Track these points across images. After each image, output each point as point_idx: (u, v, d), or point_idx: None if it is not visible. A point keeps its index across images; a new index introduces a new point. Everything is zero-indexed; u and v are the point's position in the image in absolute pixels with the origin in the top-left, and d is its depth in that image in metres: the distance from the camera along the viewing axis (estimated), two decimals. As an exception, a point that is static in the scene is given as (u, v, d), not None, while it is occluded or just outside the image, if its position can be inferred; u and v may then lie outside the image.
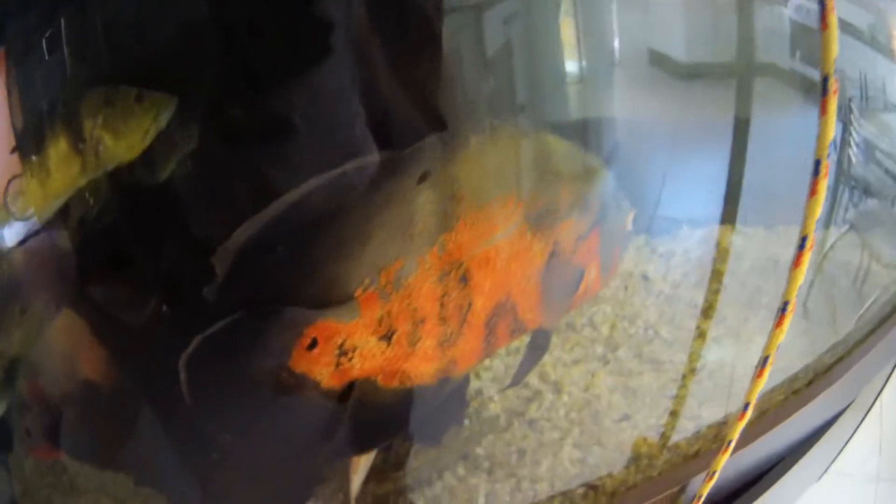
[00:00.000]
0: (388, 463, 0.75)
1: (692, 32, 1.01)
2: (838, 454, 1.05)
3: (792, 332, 0.77)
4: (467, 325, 0.67)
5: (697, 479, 0.75)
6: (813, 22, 1.21)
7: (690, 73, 1.00)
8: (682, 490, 0.79)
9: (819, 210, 0.55)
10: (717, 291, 1.00)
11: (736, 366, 0.91)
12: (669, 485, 0.78)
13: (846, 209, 1.09)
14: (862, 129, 1.15)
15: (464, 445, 0.81)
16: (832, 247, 1.06)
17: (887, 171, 1.16)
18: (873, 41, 1.25)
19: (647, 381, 0.89)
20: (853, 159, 1.11)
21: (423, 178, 0.61)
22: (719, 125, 0.98)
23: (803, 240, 0.56)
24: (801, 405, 0.89)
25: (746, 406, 0.63)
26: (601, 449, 0.81)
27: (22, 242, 0.76)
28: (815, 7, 1.24)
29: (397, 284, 0.61)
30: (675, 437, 0.83)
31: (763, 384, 0.62)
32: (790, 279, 0.57)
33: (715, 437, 0.83)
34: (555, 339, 0.87)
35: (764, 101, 1.02)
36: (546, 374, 0.88)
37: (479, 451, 0.80)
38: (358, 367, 0.62)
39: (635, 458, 0.80)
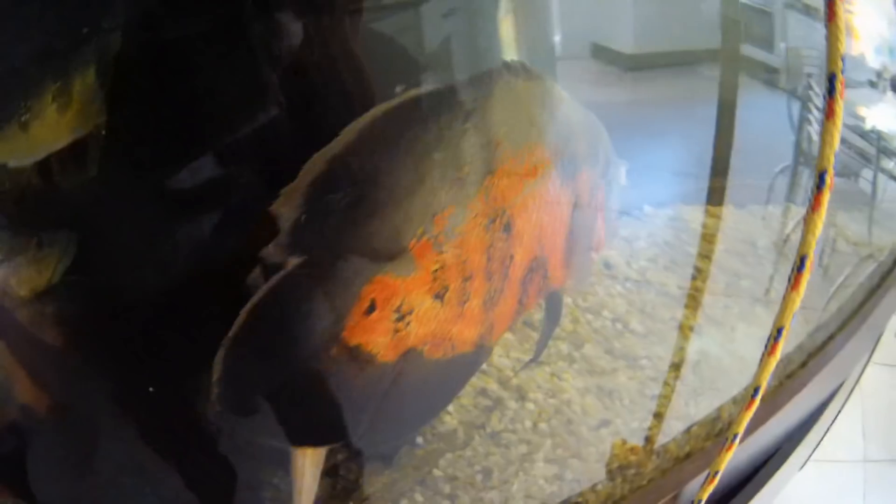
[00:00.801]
0: (335, 491, 0.70)
1: (637, 23, 1.02)
2: (820, 441, 1.03)
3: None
4: (508, 281, 0.66)
5: (693, 484, 0.69)
6: (765, 2, 1.21)
7: (635, 64, 1.00)
8: (676, 498, 0.72)
9: (820, 227, 0.50)
10: (693, 277, 0.96)
11: (721, 357, 0.87)
12: (662, 493, 0.71)
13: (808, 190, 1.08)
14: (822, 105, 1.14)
15: (419, 466, 0.73)
16: (795, 228, 1.05)
17: (851, 148, 1.16)
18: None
19: (622, 381, 0.81)
20: (814, 137, 1.11)
21: (466, 117, 0.62)
22: (669, 111, 0.98)
23: (802, 259, 0.51)
24: (798, 389, 0.85)
25: (756, 391, 0.56)
26: (580, 462, 0.73)
27: None
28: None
29: (450, 233, 0.60)
30: (663, 440, 0.76)
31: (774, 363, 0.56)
32: (785, 302, 0.53)
33: (707, 436, 0.77)
34: (511, 338, 0.82)
35: (714, 86, 1.02)
36: (505, 378, 0.80)
37: (437, 472, 0.72)
38: (413, 333, 0.60)
39: (620, 468, 0.73)
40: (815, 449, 1.02)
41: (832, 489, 1.20)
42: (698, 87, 1.04)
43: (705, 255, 1.02)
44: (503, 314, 0.67)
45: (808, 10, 1.22)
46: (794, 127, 1.08)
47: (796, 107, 1.08)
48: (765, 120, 1.11)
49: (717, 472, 0.59)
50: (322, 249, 0.55)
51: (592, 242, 0.78)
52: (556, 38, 0.93)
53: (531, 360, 0.81)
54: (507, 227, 0.65)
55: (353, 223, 0.56)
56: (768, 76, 1.12)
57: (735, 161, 1.02)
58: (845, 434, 1.09)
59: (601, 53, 1.00)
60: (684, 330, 0.92)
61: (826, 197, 0.50)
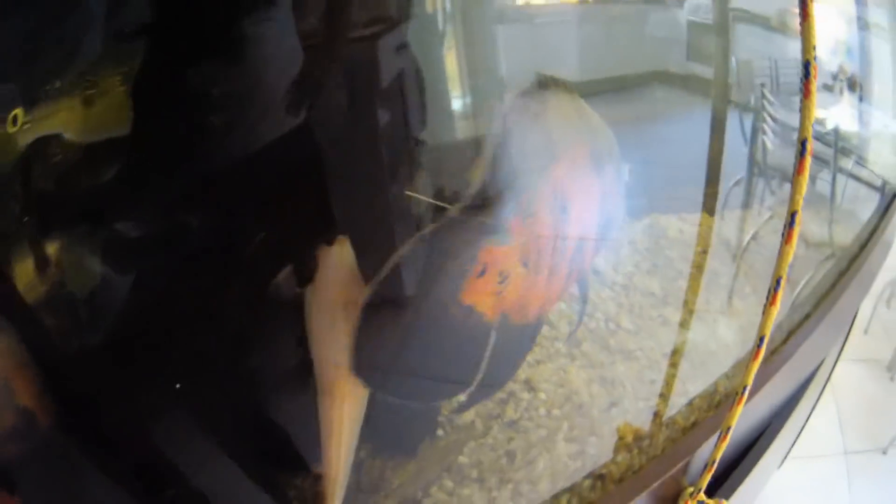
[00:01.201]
0: (361, 486, 0.74)
1: (582, 51, 1.03)
2: (797, 439, 1.04)
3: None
4: (563, 259, 0.77)
5: (704, 448, 0.77)
6: (710, 18, 1.23)
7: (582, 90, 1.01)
8: (689, 464, 0.78)
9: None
10: (674, 279, 1.03)
11: (707, 344, 0.95)
12: (676, 460, 0.77)
13: (762, 198, 1.09)
14: (778, 114, 1.15)
15: (443, 456, 0.79)
16: (754, 236, 1.06)
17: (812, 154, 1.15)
18: (783, 26, 1.25)
19: (622, 371, 0.91)
20: (769, 146, 1.11)
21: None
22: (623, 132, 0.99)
23: (793, 216, 0.63)
24: (783, 363, 0.91)
25: (761, 340, 0.65)
26: (597, 438, 0.81)
27: None
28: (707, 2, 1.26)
29: (528, 211, 0.71)
30: (670, 413, 0.85)
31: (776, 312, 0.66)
32: (781, 255, 0.64)
33: (708, 407, 0.84)
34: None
35: (660, 105, 1.03)
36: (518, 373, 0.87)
37: (462, 459, 0.78)
38: (508, 296, 0.70)
39: (627, 444, 0.80)
40: (791, 446, 1.05)
41: (817, 483, 1.23)
42: (648, 109, 1.04)
43: (685, 258, 1.06)
44: (556, 290, 0.77)
45: (754, 20, 1.24)
46: (747, 139, 1.08)
47: (748, 119, 1.09)
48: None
49: (728, 429, 0.67)
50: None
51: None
52: (502, 70, 0.95)
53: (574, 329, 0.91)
54: (564, 210, 0.77)
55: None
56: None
57: (693, 174, 1.03)
58: (822, 430, 1.13)
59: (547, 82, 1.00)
60: (672, 324, 0.98)
61: (808, 161, 0.61)
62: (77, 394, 0.64)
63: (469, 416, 0.82)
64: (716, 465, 0.71)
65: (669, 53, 1.10)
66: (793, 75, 1.25)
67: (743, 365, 0.80)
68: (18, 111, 0.60)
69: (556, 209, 0.75)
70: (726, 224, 1.06)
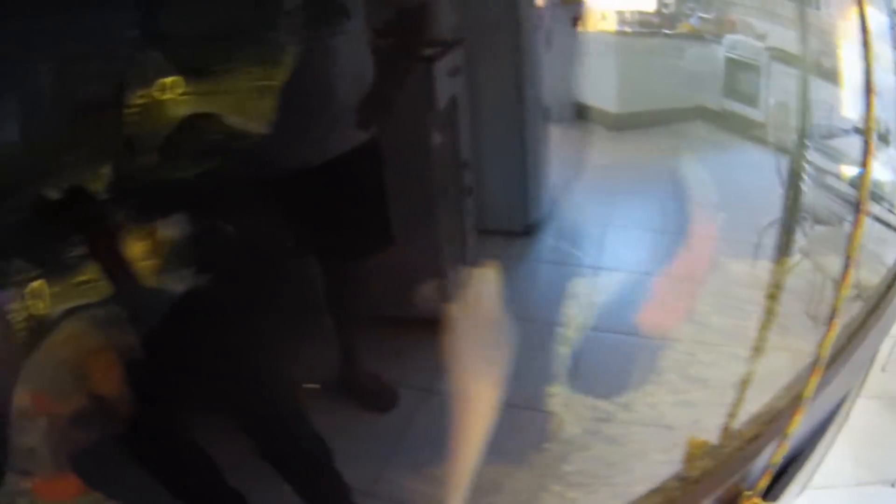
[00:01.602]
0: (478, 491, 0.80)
1: (621, 82, 1.04)
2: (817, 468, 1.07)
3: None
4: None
5: (765, 453, 0.89)
6: (751, 55, 1.24)
7: (620, 123, 1.02)
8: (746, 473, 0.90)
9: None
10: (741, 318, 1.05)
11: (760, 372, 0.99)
12: (744, 462, 0.89)
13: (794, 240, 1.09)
14: (812, 157, 1.16)
15: (550, 466, 0.88)
16: (787, 276, 1.06)
17: (836, 195, 1.17)
18: (817, 67, 1.27)
19: (698, 396, 0.99)
20: (804, 189, 1.12)
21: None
22: (657, 171, 1.00)
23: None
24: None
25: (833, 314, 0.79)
26: (681, 448, 0.88)
27: None
28: (750, 41, 1.28)
29: None
30: (737, 426, 0.93)
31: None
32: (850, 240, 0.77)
33: (766, 421, 0.93)
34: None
35: (699, 143, 1.04)
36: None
37: (567, 468, 0.88)
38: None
39: (697, 455, 0.88)
40: (812, 475, 1.07)
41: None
42: (684, 145, 1.05)
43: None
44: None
45: (791, 61, 1.25)
46: (783, 180, 1.09)
47: (786, 162, 1.10)
48: (749, 175, 1.12)
49: (786, 436, 0.80)
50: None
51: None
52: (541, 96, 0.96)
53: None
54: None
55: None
56: (755, 131, 1.13)
57: (723, 216, 1.04)
58: (834, 462, 1.17)
59: (585, 113, 1.01)
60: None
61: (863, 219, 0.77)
62: (148, 387, 0.65)
63: (574, 430, 0.90)
64: (773, 470, 0.84)
65: (707, 89, 1.11)
66: (826, 118, 1.26)
67: (794, 386, 0.94)
68: (177, 79, 0.60)
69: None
70: (759, 263, 1.07)
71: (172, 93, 0.60)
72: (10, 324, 0.69)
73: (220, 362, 0.72)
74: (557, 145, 0.95)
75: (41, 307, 0.62)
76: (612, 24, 1.08)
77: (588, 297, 0.90)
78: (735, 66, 1.17)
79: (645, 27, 1.12)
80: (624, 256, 0.95)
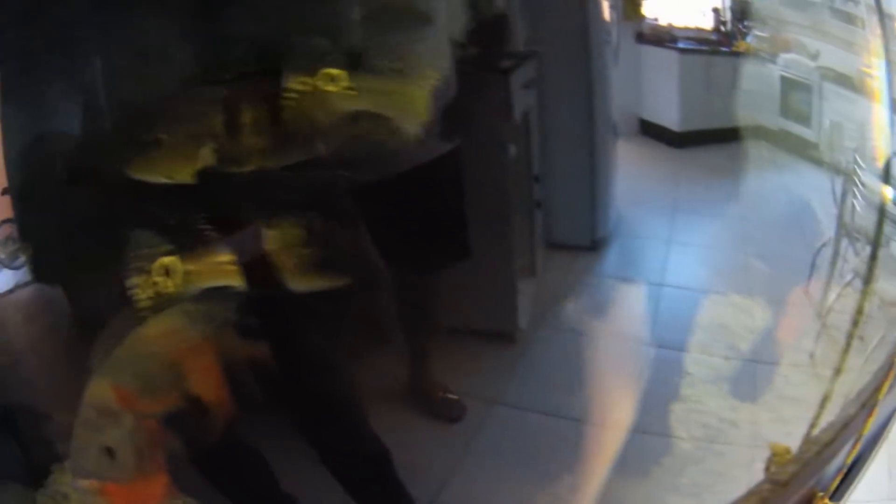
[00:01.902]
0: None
1: (683, 99, 1.05)
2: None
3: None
4: None
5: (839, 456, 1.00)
6: (804, 74, 1.25)
7: (683, 140, 1.03)
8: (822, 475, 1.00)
9: None
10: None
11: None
12: (823, 464, 0.99)
13: (845, 259, 1.10)
14: (865, 178, 1.17)
15: (669, 479, 0.94)
16: (838, 297, 1.07)
17: (888, 217, 1.18)
18: (862, 88, 1.28)
19: (789, 413, 1.04)
20: (858, 210, 1.13)
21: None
22: (718, 189, 1.01)
23: None
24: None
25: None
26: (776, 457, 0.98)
27: (10, 292, 0.79)
28: (803, 59, 1.29)
29: None
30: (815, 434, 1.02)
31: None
32: None
33: (843, 426, 1.02)
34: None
35: (757, 162, 1.05)
36: (724, 416, 1.00)
37: (684, 480, 0.93)
38: None
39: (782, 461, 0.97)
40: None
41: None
42: (743, 164, 1.06)
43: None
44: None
45: (844, 82, 1.26)
46: (836, 201, 1.10)
47: (840, 182, 1.11)
48: (805, 195, 1.13)
49: (861, 436, 0.90)
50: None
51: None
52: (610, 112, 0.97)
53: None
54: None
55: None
56: (809, 151, 1.14)
57: (778, 236, 1.04)
58: (870, 475, 1.19)
59: (648, 129, 1.02)
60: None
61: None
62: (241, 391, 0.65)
63: (686, 445, 0.94)
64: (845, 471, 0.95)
65: (764, 108, 1.11)
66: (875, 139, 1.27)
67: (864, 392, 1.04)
68: (341, 73, 0.59)
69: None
70: (813, 283, 1.08)
71: (337, 85, 0.60)
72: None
73: (301, 366, 0.72)
74: (622, 161, 0.95)
75: (170, 285, 0.61)
76: (672, 41, 1.09)
77: (662, 313, 0.90)
78: (789, 85, 1.18)
79: (704, 44, 1.12)
80: (690, 274, 0.96)
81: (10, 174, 0.73)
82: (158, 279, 0.60)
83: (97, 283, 0.64)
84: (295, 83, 0.58)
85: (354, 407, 0.79)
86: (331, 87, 0.60)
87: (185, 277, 0.60)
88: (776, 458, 0.94)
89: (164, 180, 0.62)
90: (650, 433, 0.88)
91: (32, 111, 0.76)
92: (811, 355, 1.03)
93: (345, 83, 0.60)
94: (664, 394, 0.88)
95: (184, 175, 0.62)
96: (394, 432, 0.81)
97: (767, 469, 0.94)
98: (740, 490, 0.95)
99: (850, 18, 1.34)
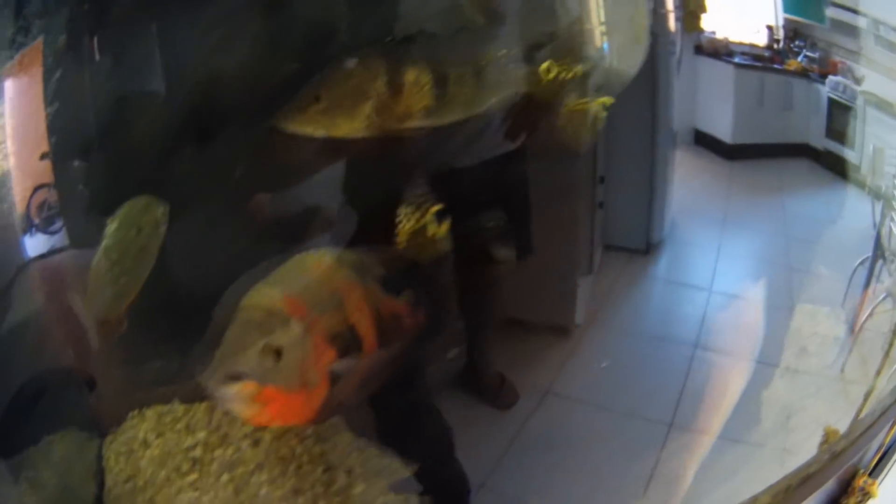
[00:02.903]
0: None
1: (736, 113, 1.09)
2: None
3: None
4: None
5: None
6: (850, 98, 1.29)
7: (734, 152, 1.07)
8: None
9: None
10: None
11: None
12: (867, 440, 1.05)
13: (879, 278, 1.15)
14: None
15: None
16: (870, 315, 1.12)
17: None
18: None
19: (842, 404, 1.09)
20: (895, 233, 1.18)
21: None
22: (766, 204, 1.05)
23: None
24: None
25: None
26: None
27: (43, 256, 0.81)
28: (851, 84, 1.33)
29: None
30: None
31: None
32: None
33: (885, 410, 1.10)
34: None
35: (803, 180, 1.09)
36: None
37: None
38: None
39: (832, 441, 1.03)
40: None
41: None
42: (790, 181, 1.10)
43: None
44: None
45: (886, 108, 1.30)
46: (875, 223, 1.14)
47: (879, 207, 1.15)
48: (845, 216, 1.17)
49: None
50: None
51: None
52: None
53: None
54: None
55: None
56: (852, 174, 1.18)
57: (818, 253, 1.09)
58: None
59: (702, 139, 1.06)
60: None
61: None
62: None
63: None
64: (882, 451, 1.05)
65: (812, 128, 1.15)
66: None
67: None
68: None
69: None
70: (847, 300, 1.12)
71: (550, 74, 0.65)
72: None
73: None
74: (678, 169, 0.99)
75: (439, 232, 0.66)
76: (728, 55, 1.13)
77: (709, 318, 0.94)
78: (836, 108, 1.22)
79: (758, 60, 1.16)
80: (737, 283, 1.00)
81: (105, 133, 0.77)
82: (428, 222, 0.66)
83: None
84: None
85: (422, 385, 0.83)
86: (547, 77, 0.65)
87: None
88: (829, 436, 0.99)
89: (322, 134, 0.67)
90: (692, 431, 0.92)
91: (130, 73, 0.80)
92: (842, 369, 1.07)
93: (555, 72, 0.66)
94: (710, 393, 0.93)
95: (344, 130, 0.66)
96: (448, 414, 0.85)
97: (821, 446, 0.99)
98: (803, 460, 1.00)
99: (893, 47, 1.38)
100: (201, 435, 0.82)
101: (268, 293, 0.66)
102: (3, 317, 0.82)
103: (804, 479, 0.96)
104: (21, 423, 0.82)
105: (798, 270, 1.06)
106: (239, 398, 0.63)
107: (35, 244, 0.82)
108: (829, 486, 1.06)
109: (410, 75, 0.67)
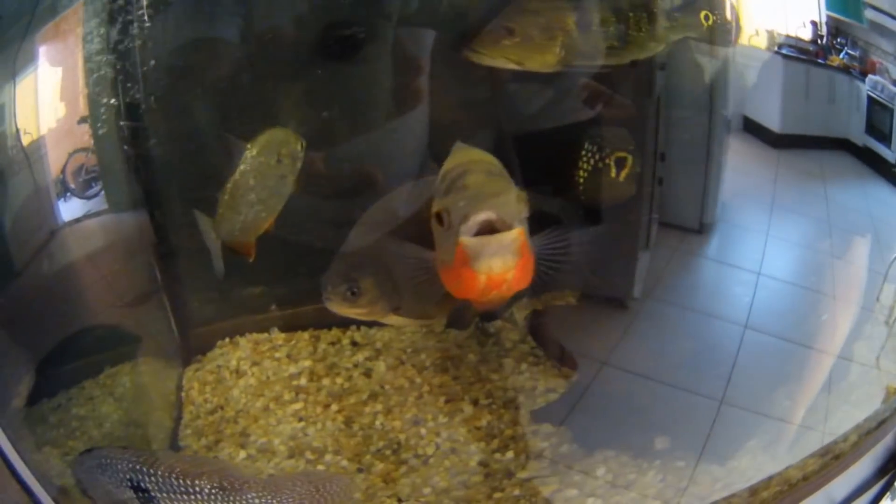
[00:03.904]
0: None
1: (784, 103, 1.12)
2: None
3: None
4: None
5: None
6: (888, 97, 1.33)
7: (781, 141, 1.10)
8: None
9: None
10: None
11: None
12: None
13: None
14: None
15: None
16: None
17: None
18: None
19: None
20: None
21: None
22: (810, 192, 1.08)
23: None
24: None
25: None
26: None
27: (77, 221, 0.82)
28: (889, 84, 1.37)
29: None
30: None
31: None
32: None
33: None
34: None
35: (843, 172, 1.13)
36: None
37: None
38: None
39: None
40: None
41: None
42: (831, 172, 1.14)
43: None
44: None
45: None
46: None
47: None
48: (880, 209, 1.21)
49: None
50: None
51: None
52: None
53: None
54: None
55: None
56: (887, 169, 1.22)
57: (857, 244, 1.12)
58: None
59: (751, 126, 1.09)
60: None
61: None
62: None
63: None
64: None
65: (852, 123, 1.19)
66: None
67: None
68: None
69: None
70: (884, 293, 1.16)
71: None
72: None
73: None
74: (730, 154, 1.02)
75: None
76: (775, 46, 1.16)
77: (757, 299, 0.97)
78: (875, 106, 1.26)
79: (803, 53, 1.20)
80: (783, 267, 1.03)
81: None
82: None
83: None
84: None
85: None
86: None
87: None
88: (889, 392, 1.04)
89: (514, 66, 0.69)
90: (739, 407, 0.95)
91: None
92: (877, 358, 1.11)
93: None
94: (755, 370, 0.96)
95: (537, 64, 0.69)
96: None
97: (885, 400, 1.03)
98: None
99: (925, 50, 1.42)
100: (306, 363, 0.82)
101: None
102: (36, 280, 0.82)
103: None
104: (73, 356, 0.81)
105: (840, 259, 1.09)
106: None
107: (70, 209, 0.82)
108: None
109: (596, 16, 0.70)
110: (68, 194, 0.82)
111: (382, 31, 0.81)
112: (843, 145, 1.18)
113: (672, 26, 0.78)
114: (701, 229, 0.97)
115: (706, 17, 0.73)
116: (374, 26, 0.81)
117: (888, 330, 1.15)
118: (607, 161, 0.79)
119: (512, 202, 0.60)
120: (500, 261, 0.57)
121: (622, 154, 0.80)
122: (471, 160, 0.68)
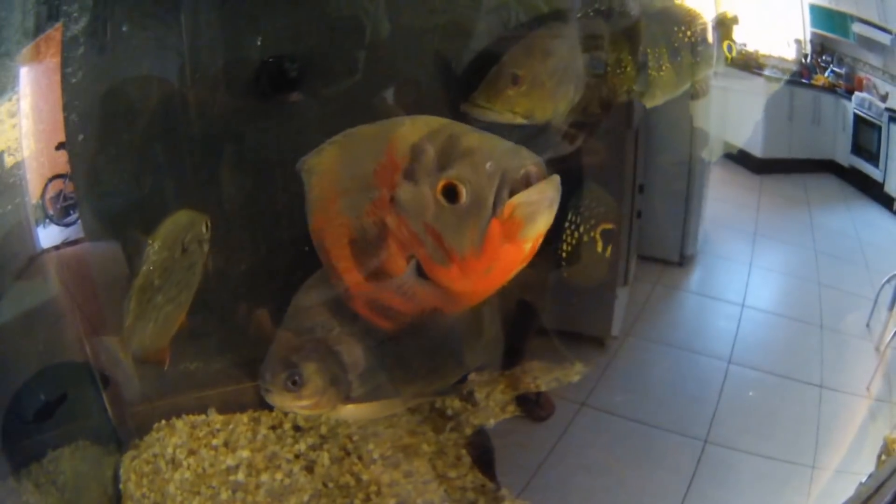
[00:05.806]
0: None
1: (767, 126, 1.12)
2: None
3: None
4: None
5: None
6: (875, 114, 1.33)
7: (764, 166, 1.10)
8: None
9: None
10: None
11: None
12: None
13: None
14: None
15: None
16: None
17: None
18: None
19: None
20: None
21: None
22: (793, 219, 1.08)
23: None
24: None
25: None
26: None
27: (57, 247, 0.81)
28: (876, 100, 1.37)
29: None
30: None
31: None
32: None
33: None
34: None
35: (828, 196, 1.13)
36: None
37: None
38: None
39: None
40: None
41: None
42: (816, 197, 1.14)
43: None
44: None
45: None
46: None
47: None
48: (868, 232, 1.21)
49: None
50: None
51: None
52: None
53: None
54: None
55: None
56: (874, 190, 1.22)
57: (845, 270, 1.12)
58: None
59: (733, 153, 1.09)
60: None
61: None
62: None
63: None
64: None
65: (837, 144, 1.19)
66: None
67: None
68: None
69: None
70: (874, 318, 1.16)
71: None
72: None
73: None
74: (711, 183, 1.02)
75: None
76: (759, 67, 1.16)
77: (741, 332, 0.96)
78: (862, 124, 1.26)
79: (786, 74, 1.20)
80: (768, 298, 1.03)
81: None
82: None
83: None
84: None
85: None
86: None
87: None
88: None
89: (521, 122, 0.63)
90: (725, 446, 0.94)
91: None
92: (867, 387, 1.11)
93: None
94: (740, 407, 0.95)
95: (546, 116, 0.63)
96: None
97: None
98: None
99: (917, 63, 1.42)
100: (244, 454, 0.77)
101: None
102: (14, 306, 0.82)
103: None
104: (25, 431, 0.79)
105: (826, 286, 1.09)
106: (558, 187, 0.52)
107: (49, 235, 0.82)
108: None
109: (612, 55, 0.64)
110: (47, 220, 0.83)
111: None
112: (828, 167, 1.18)
113: (695, 62, 0.73)
114: (682, 262, 0.97)
115: (729, 48, 0.70)
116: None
117: (880, 358, 1.15)
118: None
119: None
120: (551, 213, 0.51)
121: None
122: (441, 124, 0.58)
